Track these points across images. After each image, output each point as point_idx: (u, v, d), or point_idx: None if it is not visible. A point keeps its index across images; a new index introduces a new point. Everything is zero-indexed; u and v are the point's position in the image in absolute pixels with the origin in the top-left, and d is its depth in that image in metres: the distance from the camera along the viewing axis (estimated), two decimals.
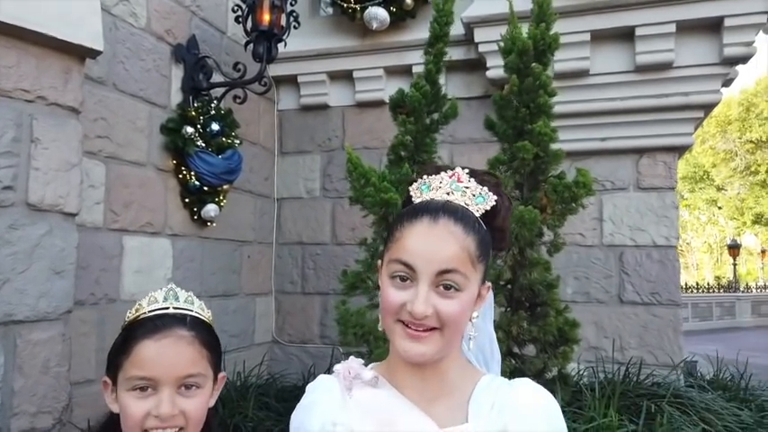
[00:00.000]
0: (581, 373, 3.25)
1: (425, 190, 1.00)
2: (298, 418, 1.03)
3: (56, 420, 1.94)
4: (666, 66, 3.58)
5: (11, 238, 1.83)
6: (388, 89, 4.07)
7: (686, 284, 20.02)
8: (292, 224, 4.54)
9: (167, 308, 1.07)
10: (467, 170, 1.01)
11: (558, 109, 3.60)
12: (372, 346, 2.76)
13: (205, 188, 3.47)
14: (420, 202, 0.99)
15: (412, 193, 1.02)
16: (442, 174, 1.01)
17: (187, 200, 3.49)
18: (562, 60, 3.60)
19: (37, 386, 1.88)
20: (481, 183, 1.00)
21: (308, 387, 1.06)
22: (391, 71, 4.24)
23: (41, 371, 1.90)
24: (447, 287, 0.92)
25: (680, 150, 3.91)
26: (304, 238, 4.50)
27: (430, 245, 0.92)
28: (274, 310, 4.51)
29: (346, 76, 4.34)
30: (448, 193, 0.98)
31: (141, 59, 3.19)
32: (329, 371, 1.11)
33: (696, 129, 3.91)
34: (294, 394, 3.46)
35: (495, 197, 0.99)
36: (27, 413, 1.86)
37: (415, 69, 3.87)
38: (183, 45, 3.49)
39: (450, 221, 0.94)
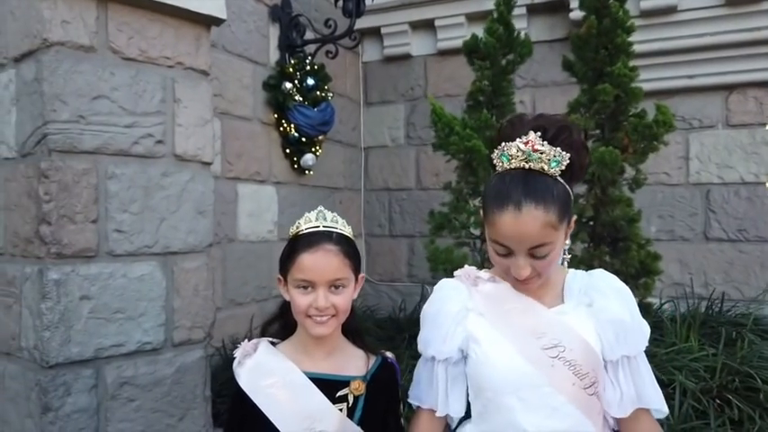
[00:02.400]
0: (663, 306, 3.38)
1: (505, 160, 1.18)
2: (434, 307, 1.31)
3: (206, 334, 2.35)
4: None
5: (164, 184, 2.21)
6: (469, 35, 4.16)
7: None
8: (379, 171, 4.82)
9: (318, 226, 1.35)
10: (539, 133, 1.16)
11: (644, 47, 3.60)
12: None
13: (303, 139, 3.79)
14: (503, 186, 1.16)
15: (495, 162, 1.21)
16: (518, 141, 1.16)
17: (287, 150, 3.83)
18: None
19: (190, 305, 2.29)
20: (553, 142, 1.16)
21: (436, 288, 1.34)
22: (472, 17, 4.31)
23: (193, 293, 2.30)
24: (538, 255, 1.16)
25: None
26: (390, 184, 4.77)
27: (518, 232, 1.14)
28: (365, 251, 4.86)
29: (428, 25, 4.47)
30: (526, 161, 1.16)
31: (244, 21, 3.49)
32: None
33: None
34: (388, 324, 3.81)
35: (569, 155, 1.16)
36: (184, 327, 2.28)
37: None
38: (278, 5, 3.75)
39: (532, 206, 1.12)
